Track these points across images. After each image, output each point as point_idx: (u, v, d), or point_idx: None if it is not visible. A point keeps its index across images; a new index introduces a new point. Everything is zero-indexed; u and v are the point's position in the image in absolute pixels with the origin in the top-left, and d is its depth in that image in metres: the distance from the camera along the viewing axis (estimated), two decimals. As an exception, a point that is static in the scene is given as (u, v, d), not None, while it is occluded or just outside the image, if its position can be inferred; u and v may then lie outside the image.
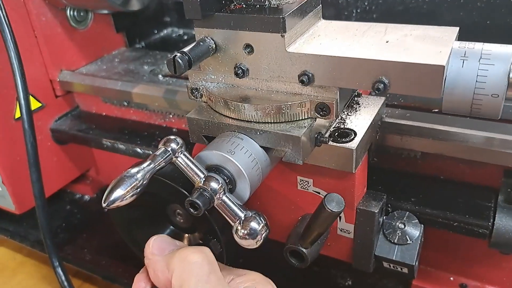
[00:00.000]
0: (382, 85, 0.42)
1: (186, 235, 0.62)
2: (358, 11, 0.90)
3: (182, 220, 0.60)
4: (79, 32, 0.86)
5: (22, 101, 0.68)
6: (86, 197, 0.99)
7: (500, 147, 0.52)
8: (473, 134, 0.53)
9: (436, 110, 0.61)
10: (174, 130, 0.78)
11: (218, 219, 0.53)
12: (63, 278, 0.72)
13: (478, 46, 0.42)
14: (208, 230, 0.55)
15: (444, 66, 0.39)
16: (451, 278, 0.67)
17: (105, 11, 0.88)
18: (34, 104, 0.82)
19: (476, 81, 0.40)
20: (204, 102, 0.53)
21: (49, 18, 0.80)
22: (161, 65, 0.86)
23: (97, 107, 0.87)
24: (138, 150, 0.75)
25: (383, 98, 0.55)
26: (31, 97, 0.76)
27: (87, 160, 0.94)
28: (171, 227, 0.62)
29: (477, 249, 0.62)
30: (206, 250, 0.45)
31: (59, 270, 0.72)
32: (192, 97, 0.53)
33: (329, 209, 0.44)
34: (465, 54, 0.41)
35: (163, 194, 0.54)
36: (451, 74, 0.41)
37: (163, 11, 1.10)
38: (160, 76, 0.80)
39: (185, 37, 1.08)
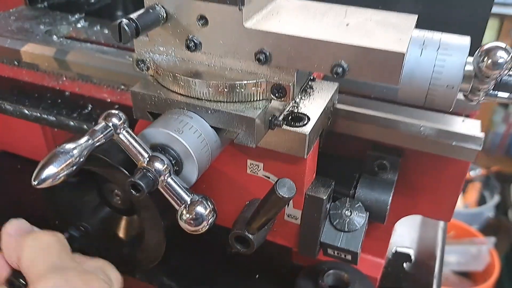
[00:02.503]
0: (341, 69, 0.41)
1: (124, 217, 0.58)
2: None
3: (120, 202, 0.56)
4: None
5: None
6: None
7: (366, 121, 0.54)
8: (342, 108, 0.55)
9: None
10: (66, 93, 0.74)
11: (160, 201, 0.51)
12: None
13: (436, 35, 0.41)
14: (149, 213, 0.52)
15: (404, 54, 0.38)
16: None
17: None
18: None
19: (433, 71, 0.40)
20: (151, 75, 0.49)
21: None
22: (59, 26, 0.81)
23: None
24: (26, 111, 0.71)
25: (336, 84, 0.54)
26: None
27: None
28: (108, 208, 0.58)
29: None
30: (59, 234, 0.47)
31: None
32: (138, 69, 0.49)
33: (280, 194, 0.43)
34: (424, 43, 0.41)
35: (100, 172, 0.50)
36: (409, 62, 0.41)
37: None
38: (54, 37, 0.76)
39: (92, 0, 1.02)
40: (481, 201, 2.33)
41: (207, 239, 0.55)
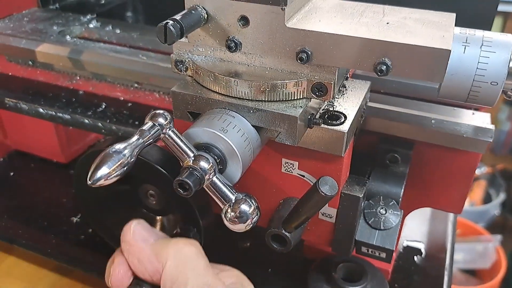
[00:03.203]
0: (385, 66, 0.41)
1: (158, 217, 0.58)
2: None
3: (154, 202, 0.56)
4: (-19, -13, 0.79)
5: None
6: (-7, 161, 0.95)
7: (377, 114, 0.56)
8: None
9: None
10: (80, 92, 0.76)
11: (197, 201, 0.51)
12: None
13: (478, 33, 0.42)
14: (186, 213, 0.52)
15: (450, 51, 0.39)
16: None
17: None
18: None
19: (477, 68, 0.40)
20: (189, 76, 0.49)
21: None
22: (72, 26, 0.83)
23: (2, 67, 0.81)
24: (41, 110, 0.73)
25: (369, 82, 0.55)
26: None
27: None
28: (143, 210, 0.58)
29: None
30: (197, 243, 0.45)
31: None
32: (176, 70, 0.49)
33: (323, 192, 0.43)
34: (466, 40, 0.41)
35: (139, 174, 0.50)
36: (452, 60, 0.41)
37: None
38: (68, 37, 0.78)
39: (103, 1, 1.03)
40: (487, 199, 2.34)
41: (219, 234, 0.56)
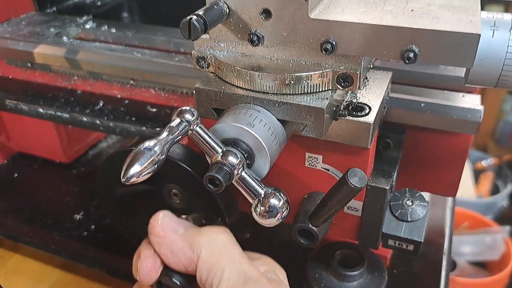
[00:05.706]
0: (413, 54, 0.40)
1: (183, 216, 0.57)
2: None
3: (178, 201, 0.56)
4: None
5: None
6: (-4, 163, 0.96)
7: None
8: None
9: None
10: (78, 92, 0.77)
11: (223, 199, 0.50)
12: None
13: (506, 16, 0.41)
14: (210, 209, 0.51)
15: (479, 35, 0.38)
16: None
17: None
18: None
19: (507, 51, 0.40)
20: (212, 72, 0.48)
21: None
22: (68, 28, 0.84)
23: (2, 70, 0.82)
24: (40, 110, 0.74)
25: (390, 73, 0.54)
26: None
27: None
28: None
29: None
30: (229, 231, 0.43)
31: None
32: (198, 67, 0.48)
33: (352, 184, 0.42)
34: (495, 24, 0.40)
35: (163, 172, 0.49)
36: (481, 44, 0.40)
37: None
38: (64, 38, 0.79)
39: (99, 3, 1.05)
40: (495, 190, 2.33)
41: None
